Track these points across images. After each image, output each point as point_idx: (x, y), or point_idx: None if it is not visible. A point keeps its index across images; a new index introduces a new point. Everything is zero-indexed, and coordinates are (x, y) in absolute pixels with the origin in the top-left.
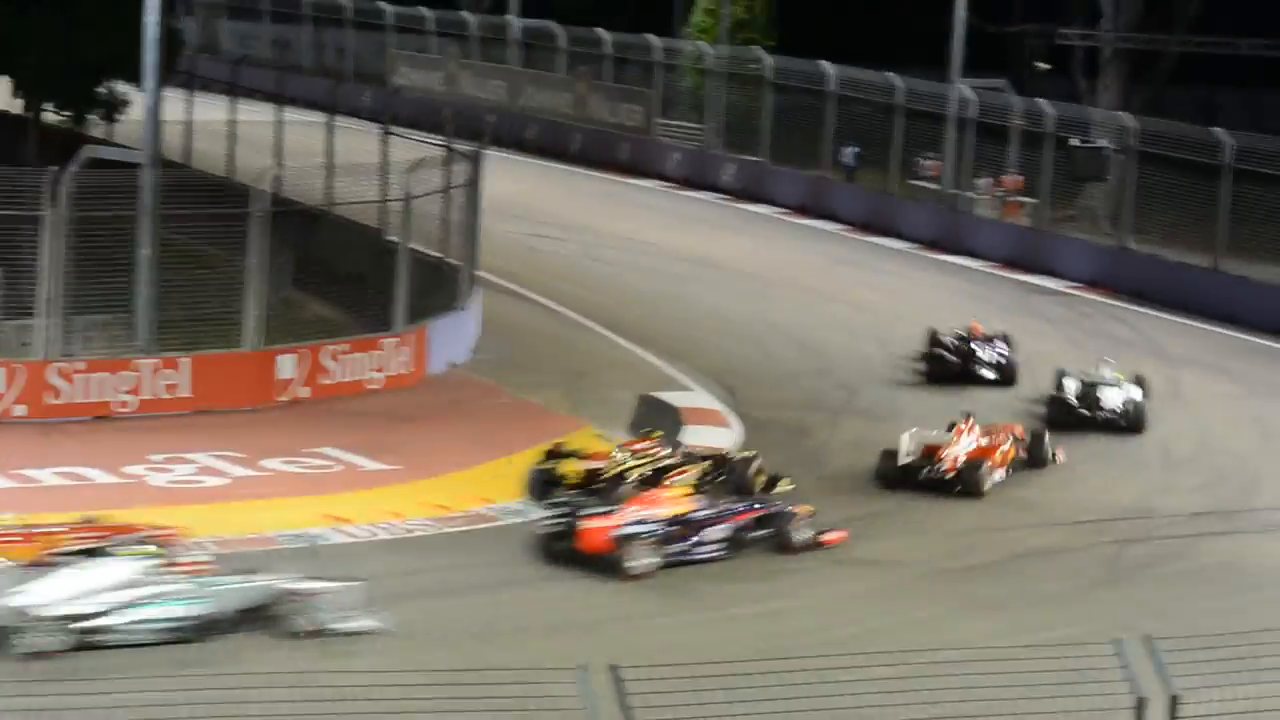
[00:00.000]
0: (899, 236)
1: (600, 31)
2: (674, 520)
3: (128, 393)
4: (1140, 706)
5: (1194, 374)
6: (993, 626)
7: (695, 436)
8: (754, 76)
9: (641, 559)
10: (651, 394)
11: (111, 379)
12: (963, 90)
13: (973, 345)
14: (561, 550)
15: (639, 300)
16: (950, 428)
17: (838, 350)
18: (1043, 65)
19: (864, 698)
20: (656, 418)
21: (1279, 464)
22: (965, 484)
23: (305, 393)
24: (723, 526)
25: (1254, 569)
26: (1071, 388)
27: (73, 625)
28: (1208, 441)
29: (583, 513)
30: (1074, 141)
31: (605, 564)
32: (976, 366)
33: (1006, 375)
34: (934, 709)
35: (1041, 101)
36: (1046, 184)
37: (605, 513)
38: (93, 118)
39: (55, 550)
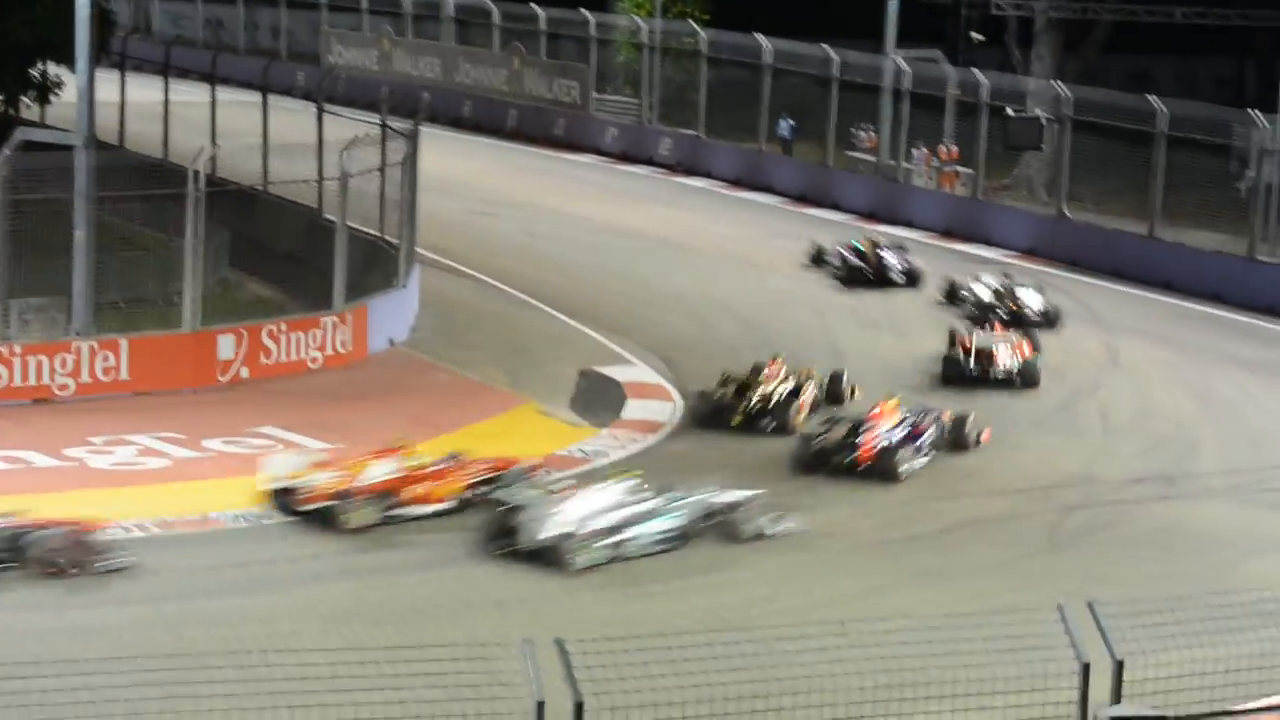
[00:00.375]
0: (836, 208)
1: (534, 7)
2: (900, 428)
3: (67, 375)
4: (1085, 672)
5: (1132, 341)
6: (937, 595)
7: (636, 410)
8: (689, 51)
9: (910, 463)
10: (593, 369)
11: (49, 362)
12: (897, 62)
13: (880, 253)
14: (838, 465)
15: (578, 275)
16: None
17: (778, 323)
18: (977, 36)
19: (812, 667)
20: (598, 393)
21: (1217, 429)
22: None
23: (245, 373)
24: (928, 432)
25: (1194, 533)
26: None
27: (609, 540)
28: (1147, 407)
29: (861, 430)
30: (1009, 111)
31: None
32: (888, 272)
33: (913, 279)
34: (881, 677)
35: (976, 72)
36: (982, 154)
37: (868, 429)
38: (25, 100)
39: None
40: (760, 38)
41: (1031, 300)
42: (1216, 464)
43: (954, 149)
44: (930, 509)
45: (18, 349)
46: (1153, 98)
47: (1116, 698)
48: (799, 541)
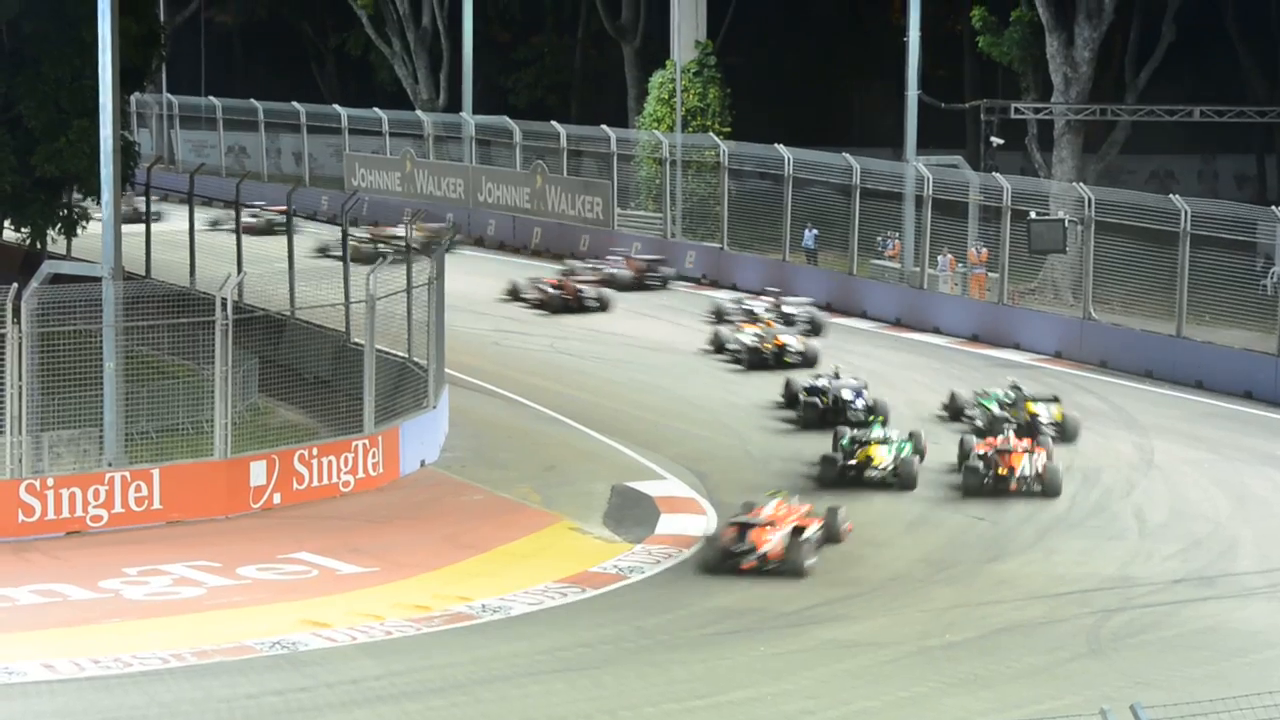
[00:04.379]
0: (863, 316)
1: (555, 125)
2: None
3: (99, 507)
4: None
5: (1164, 441)
6: (978, 703)
7: (670, 525)
8: (710, 163)
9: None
10: (625, 484)
11: (82, 494)
12: (919, 168)
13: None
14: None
15: (608, 391)
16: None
17: (807, 432)
18: (997, 140)
19: None
20: (631, 508)
21: (1254, 528)
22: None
23: (278, 499)
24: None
25: (1236, 633)
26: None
27: None
28: (1182, 508)
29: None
30: (1032, 215)
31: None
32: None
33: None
34: None
35: (998, 176)
36: (1006, 258)
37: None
38: (52, 234)
39: None
40: (781, 148)
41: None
42: (1255, 563)
43: (983, 251)
44: (969, 615)
45: (50, 482)
46: (1175, 197)
47: None
48: (839, 652)
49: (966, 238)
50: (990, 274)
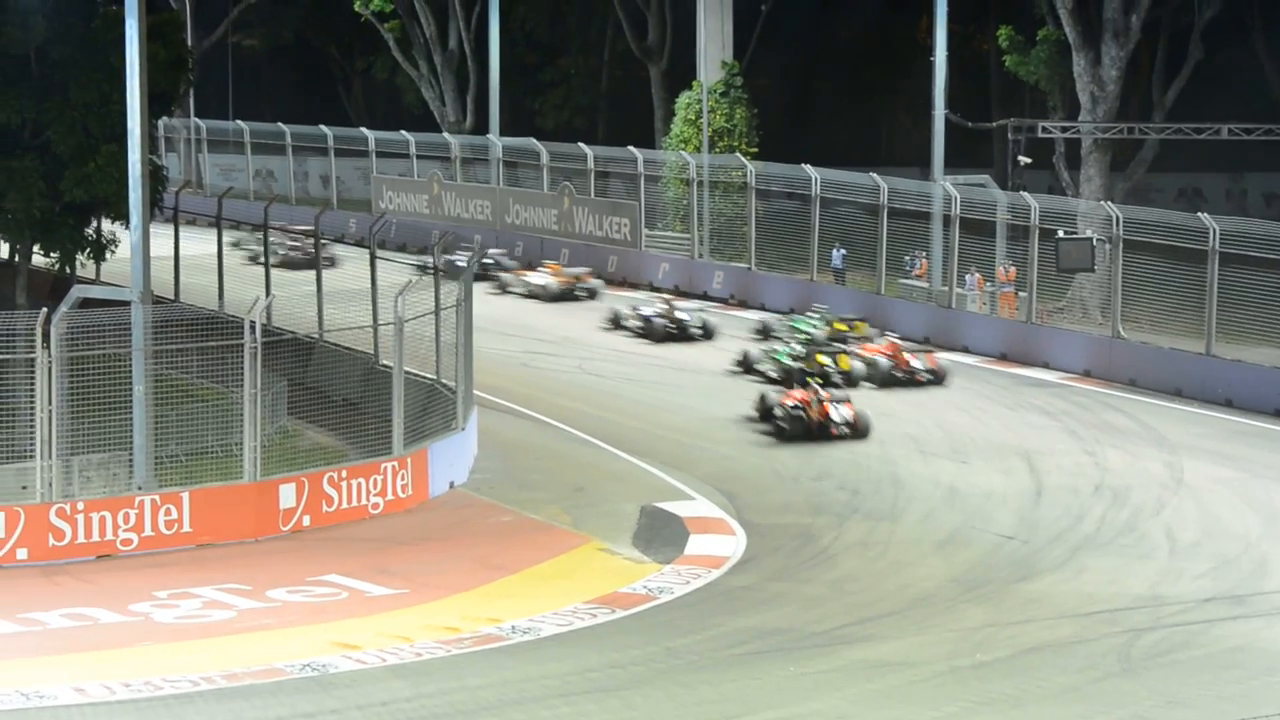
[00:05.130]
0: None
1: (583, 146)
2: None
3: (130, 530)
4: None
5: (1194, 459)
6: None
7: (699, 545)
8: (738, 184)
9: None
10: (654, 505)
11: (112, 517)
12: (946, 187)
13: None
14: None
15: (636, 411)
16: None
17: (837, 452)
18: (1025, 159)
19: None
20: (660, 529)
21: None
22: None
23: (307, 521)
24: None
25: (1267, 653)
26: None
27: None
28: (1212, 526)
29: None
30: (1060, 233)
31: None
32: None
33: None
34: None
35: (1026, 195)
36: (1034, 277)
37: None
38: (81, 259)
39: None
40: (808, 168)
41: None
42: None
43: (1011, 270)
44: (999, 635)
45: (80, 505)
46: (1204, 215)
47: None
48: (869, 672)
49: (994, 257)
50: (1019, 293)
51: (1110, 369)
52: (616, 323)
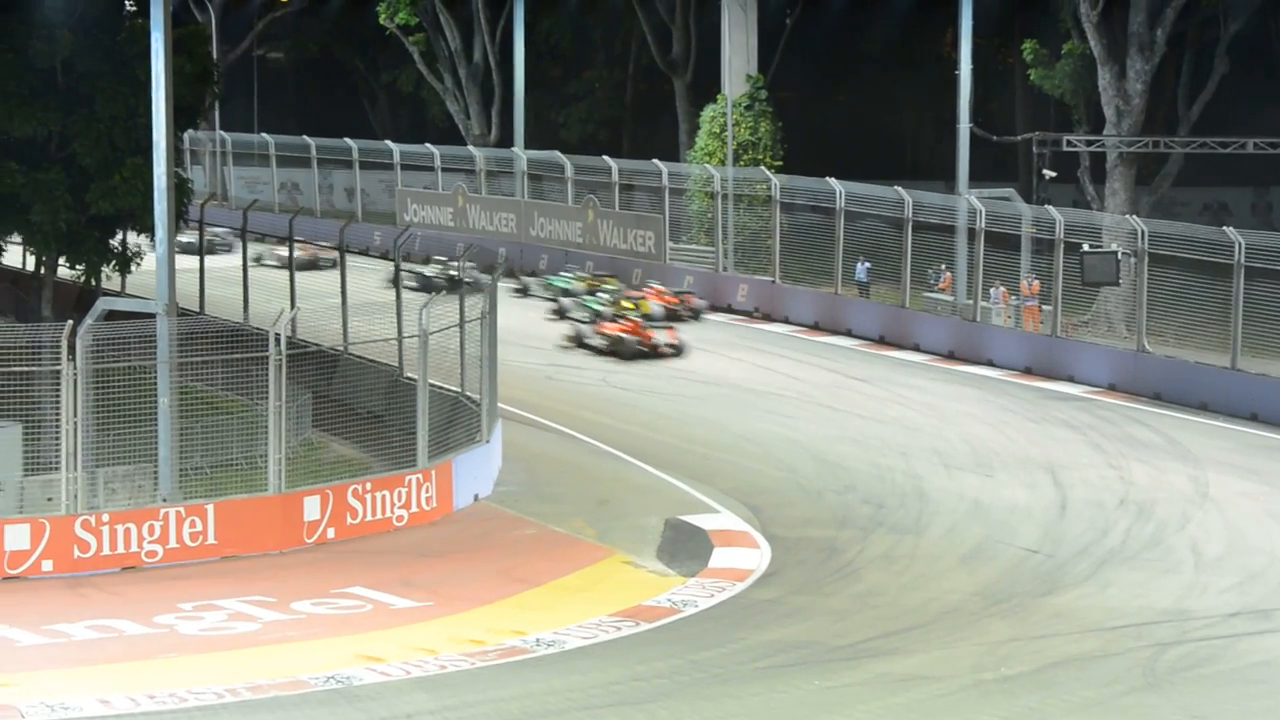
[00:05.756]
0: (916, 349)
1: (607, 159)
2: None
3: (154, 542)
4: None
5: (1219, 474)
6: None
7: (724, 558)
8: (762, 197)
9: None
10: (678, 518)
11: (137, 529)
12: (971, 201)
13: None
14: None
15: (660, 425)
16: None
17: (861, 465)
18: (1050, 173)
19: None
20: (684, 542)
21: None
22: None
23: (332, 533)
24: None
25: None
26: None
27: None
28: (1238, 541)
29: None
30: (1085, 247)
31: None
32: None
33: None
34: None
35: (1050, 209)
36: (1059, 291)
37: None
38: (106, 271)
39: None
40: (833, 181)
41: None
42: None
43: (1036, 283)
44: (1024, 648)
45: (105, 517)
46: (1229, 229)
47: None
48: (893, 686)
49: (1019, 270)
50: (1043, 306)
51: (1135, 383)
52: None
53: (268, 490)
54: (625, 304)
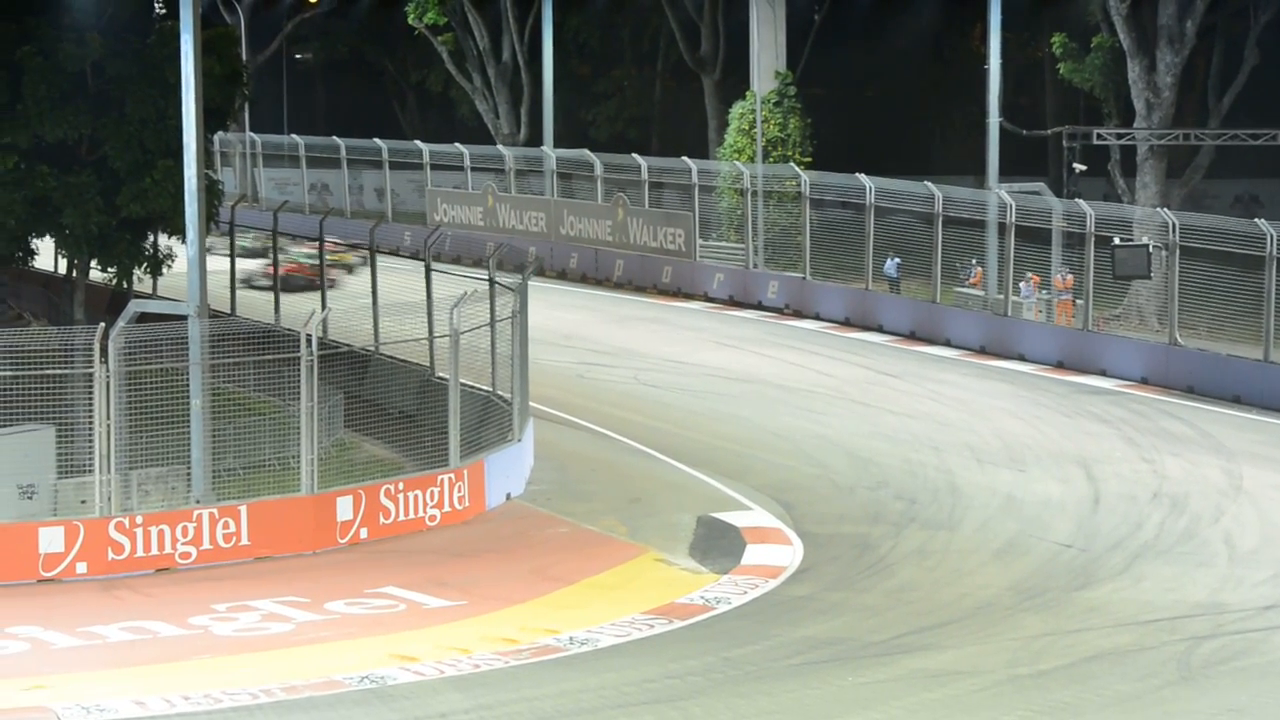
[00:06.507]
0: (947, 344)
1: (637, 157)
2: None
3: (188, 544)
4: None
5: (1253, 466)
6: None
7: (756, 555)
8: (792, 193)
9: None
10: (711, 515)
11: (171, 531)
12: (1001, 195)
13: None
14: None
15: (691, 422)
16: None
17: (894, 461)
18: (1080, 166)
19: None
20: (717, 539)
21: None
22: None
23: (365, 534)
24: None
25: None
26: None
27: None
28: (1272, 533)
29: None
30: (1115, 241)
31: None
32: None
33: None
34: None
35: (1081, 202)
36: (1090, 285)
37: None
38: (138, 274)
39: None
40: (862, 177)
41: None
42: None
43: (1069, 277)
44: (1058, 643)
45: (139, 519)
46: (1261, 221)
47: None
48: (927, 681)
49: (1050, 264)
50: (1076, 300)
51: (1168, 376)
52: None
53: (300, 491)
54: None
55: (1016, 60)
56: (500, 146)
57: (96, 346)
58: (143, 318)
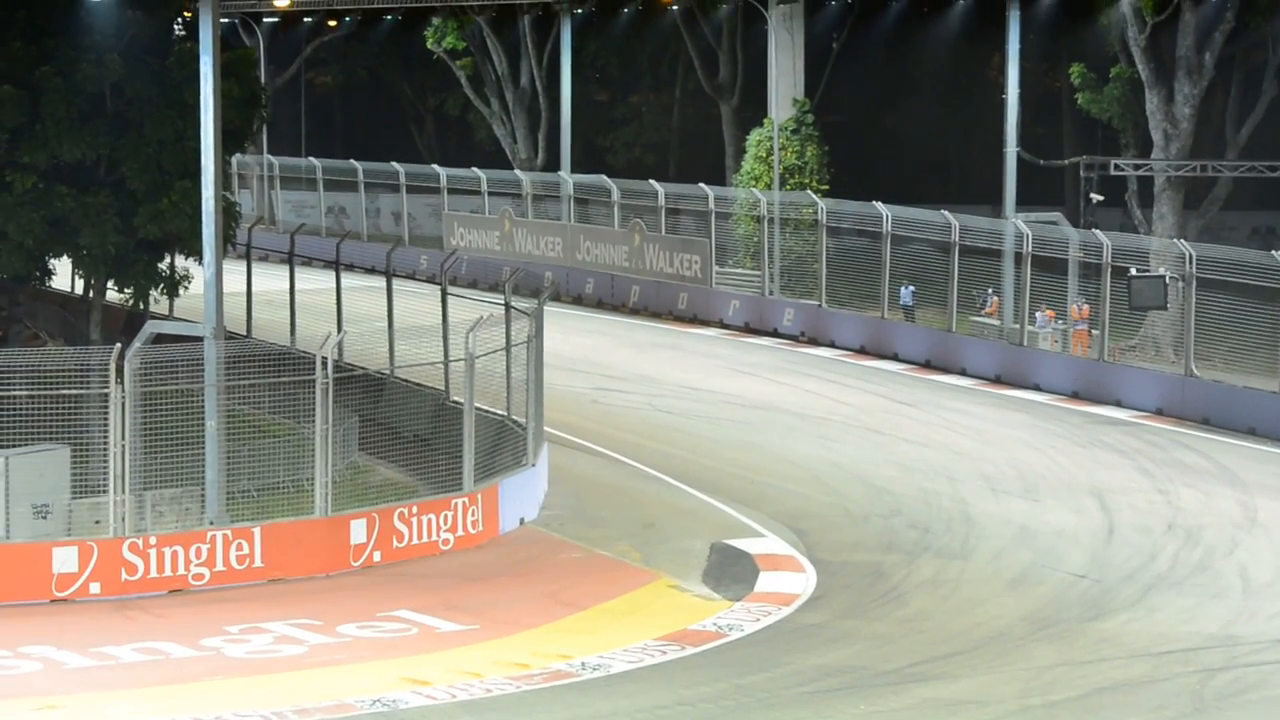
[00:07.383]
0: (962, 374)
1: (653, 184)
2: None
3: (201, 565)
4: None
5: (1268, 499)
6: None
7: (770, 582)
8: (808, 221)
9: None
10: (724, 542)
11: (184, 552)
12: (1018, 225)
13: None
14: None
15: (706, 448)
16: None
17: (908, 490)
18: (1097, 196)
19: None
20: (730, 566)
21: None
22: None
23: (378, 556)
24: None
25: None
26: None
27: None
28: None
29: None
30: (1132, 271)
31: None
32: None
33: None
34: None
35: (1098, 233)
36: (1106, 315)
37: None
38: (154, 295)
39: None
40: (879, 205)
41: None
42: None
43: (1085, 308)
44: (1071, 674)
45: (153, 540)
46: (1277, 253)
47: None
48: (940, 710)
49: (1066, 294)
50: (1092, 331)
51: (1183, 407)
52: None
53: (314, 513)
54: None
55: (1035, 90)
56: (517, 171)
57: (112, 367)
58: (159, 339)
